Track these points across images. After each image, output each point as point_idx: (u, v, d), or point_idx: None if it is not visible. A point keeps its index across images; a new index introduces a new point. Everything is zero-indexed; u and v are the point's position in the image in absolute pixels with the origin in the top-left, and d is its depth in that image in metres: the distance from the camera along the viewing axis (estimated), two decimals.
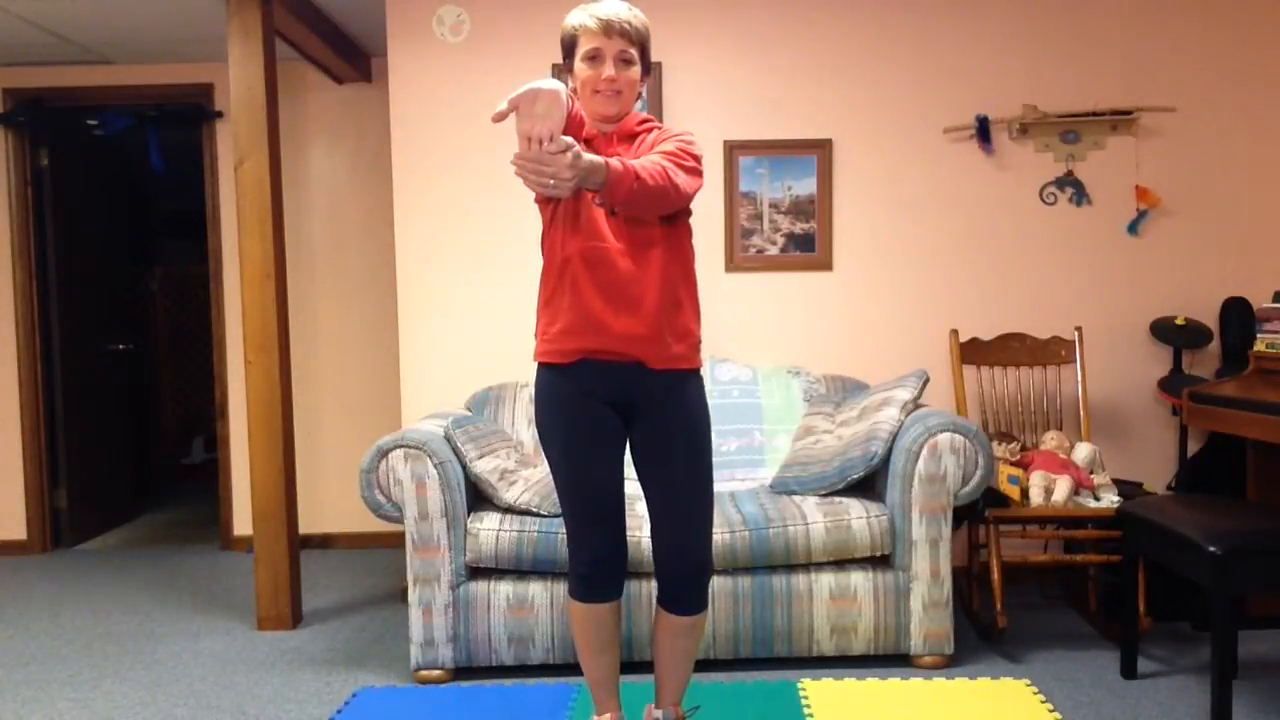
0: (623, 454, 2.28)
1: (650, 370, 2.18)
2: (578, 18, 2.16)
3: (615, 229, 2.14)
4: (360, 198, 4.78)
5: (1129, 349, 3.90)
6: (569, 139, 1.82)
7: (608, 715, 2.36)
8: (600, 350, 2.17)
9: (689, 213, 2.25)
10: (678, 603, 2.28)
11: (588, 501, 2.24)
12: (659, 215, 2.13)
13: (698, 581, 2.28)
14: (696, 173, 2.14)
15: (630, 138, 2.23)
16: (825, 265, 3.89)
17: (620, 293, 2.14)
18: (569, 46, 2.20)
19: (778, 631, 3.01)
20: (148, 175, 5.44)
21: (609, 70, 2.14)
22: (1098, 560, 3.29)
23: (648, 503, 2.30)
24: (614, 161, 1.93)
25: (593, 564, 2.27)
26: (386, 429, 4.69)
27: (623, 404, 2.22)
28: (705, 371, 3.62)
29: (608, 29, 2.13)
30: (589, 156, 1.87)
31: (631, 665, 3.07)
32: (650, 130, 2.25)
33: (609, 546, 2.27)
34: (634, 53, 2.17)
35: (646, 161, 2.02)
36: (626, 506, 2.35)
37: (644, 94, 2.29)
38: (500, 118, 1.80)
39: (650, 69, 2.28)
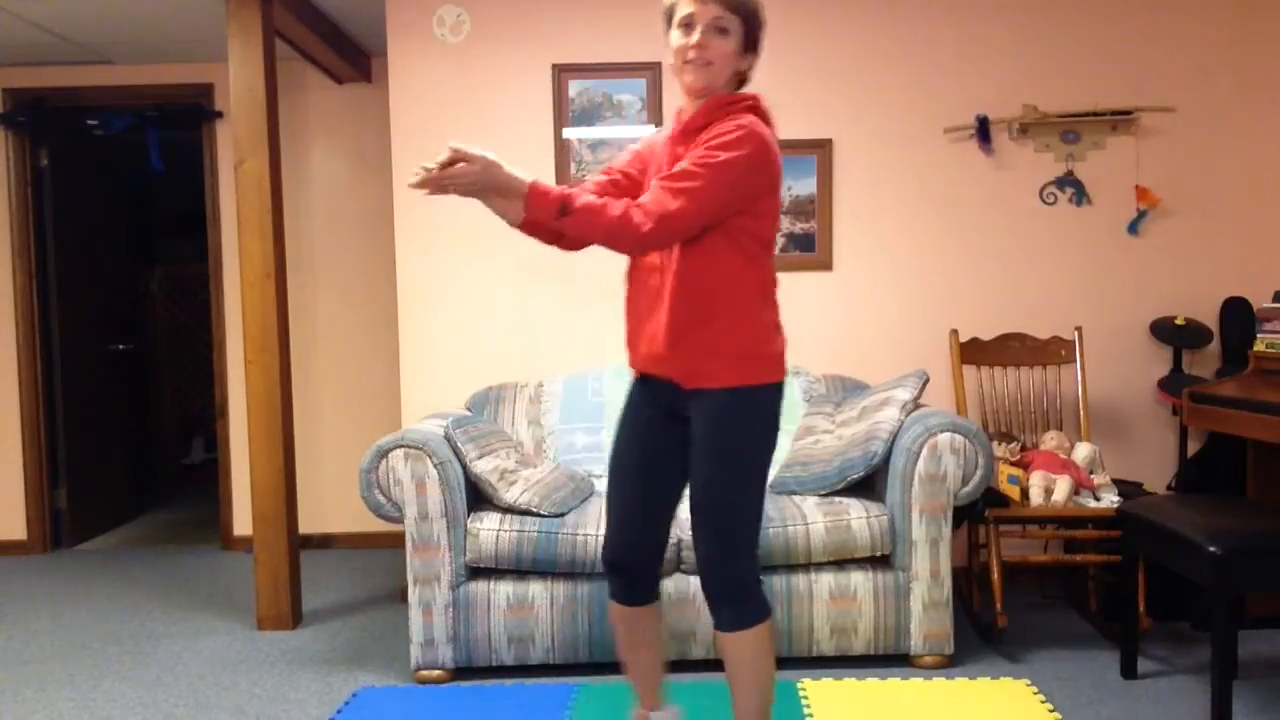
0: (666, 463, 2.21)
1: (683, 389, 2.12)
2: None
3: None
4: (360, 198, 4.78)
5: (1129, 349, 3.90)
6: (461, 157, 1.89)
7: (643, 710, 2.33)
8: (637, 367, 2.19)
9: (757, 214, 2.04)
10: (711, 614, 2.18)
11: (613, 502, 2.24)
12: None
13: (715, 598, 2.14)
14: (687, 193, 1.94)
15: (694, 133, 2.07)
16: (825, 265, 3.89)
17: (644, 312, 2.12)
18: (668, 16, 2.09)
19: (777, 631, 3.01)
20: (148, 175, 5.44)
21: (696, 37, 2.01)
22: (1098, 560, 3.29)
23: None
24: (544, 191, 1.91)
25: (606, 563, 2.27)
26: (386, 429, 4.69)
27: (680, 415, 2.17)
28: None
29: None
30: (512, 178, 1.90)
31: None
32: (711, 130, 2.04)
33: (619, 552, 2.24)
34: (733, 22, 2.02)
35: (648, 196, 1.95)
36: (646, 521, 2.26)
37: (748, 78, 2.13)
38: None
39: (757, 45, 2.09)
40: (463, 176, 1.90)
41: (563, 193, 1.93)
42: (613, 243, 1.96)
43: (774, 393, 2.12)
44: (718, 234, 2.03)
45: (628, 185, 2.23)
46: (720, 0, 2.00)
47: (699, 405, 2.12)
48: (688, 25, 2.02)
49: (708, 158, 1.96)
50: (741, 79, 2.13)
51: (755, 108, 2.08)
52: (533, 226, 2.09)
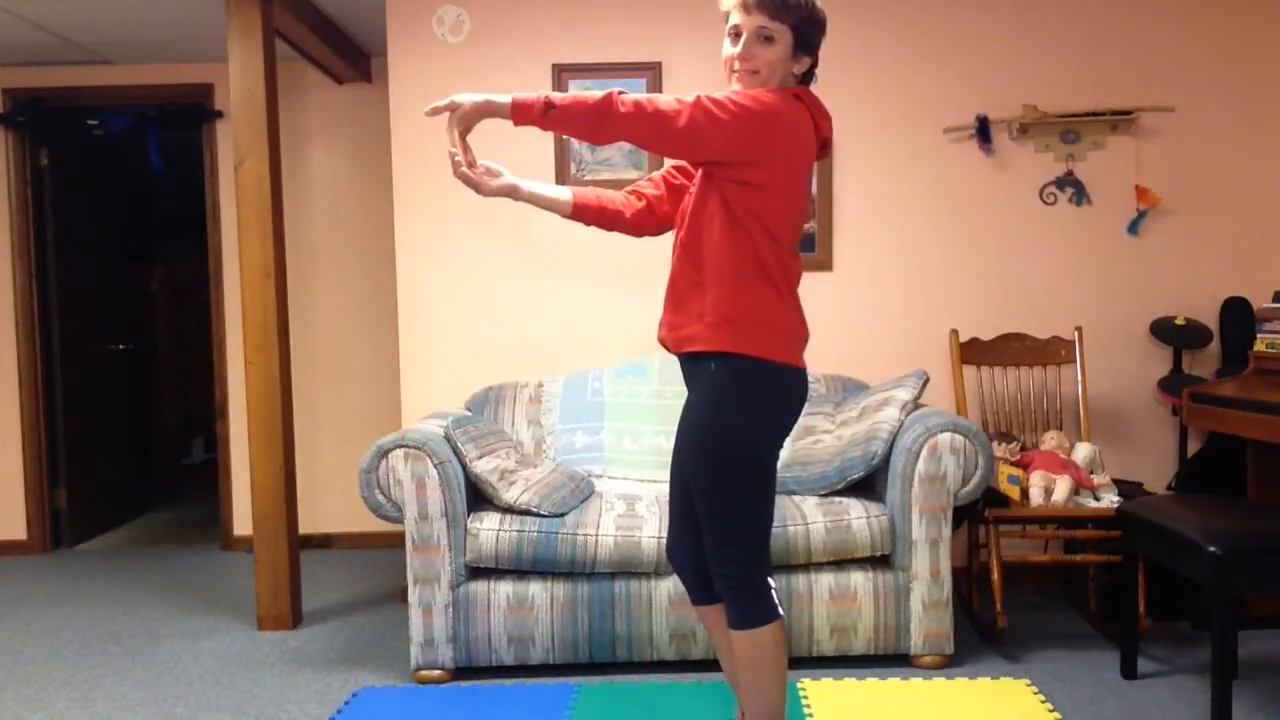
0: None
1: (684, 365, 2.16)
2: None
3: (682, 218, 2.13)
4: (360, 198, 4.78)
5: (1129, 349, 3.89)
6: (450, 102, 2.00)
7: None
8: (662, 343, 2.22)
9: (750, 185, 2.01)
10: (726, 609, 2.15)
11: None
12: (632, 141, 1.98)
13: (723, 589, 2.12)
14: (705, 111, 1.91)
15: None
16: (825, 265, 3.89)
17: (669, 284, 2.16)
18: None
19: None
20: (148, 175, 5.44)
21: (740, 48, 2.01)
22: (1098, 560, 3.29)
23: None
24: (527, 96, 1.95)
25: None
26: (386, 429, 4.69)
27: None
28: None
29: (745, 3, 1.99)
30: (477, 99, 1.98)
31: (632, 665, 3.08)
32: None
33: (670, 542, 2.32)
34: (779, 29, 1.99)
35: (644, 96, 1.95)
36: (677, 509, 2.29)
37: (809, 79, 2.12)
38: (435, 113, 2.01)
39: (809, 48, 2.06)
40: (452, 123, 2.01)
41: (543, 95, 1.95)
42: (596, 123, 1.93)
43: (770, 370, 2.05)
44: (720, 206, 2.03)
45: (652, 197, 2.29)
46: (765, 9, 1.98)
47: (692, 377, 2.13)
48: (735, 35, 2.03)
49: (731, 94, 1.97)
50: (801, 80, 2.10)
51: (798, 95, 2.05)
52: (580, 211, 2.22)
